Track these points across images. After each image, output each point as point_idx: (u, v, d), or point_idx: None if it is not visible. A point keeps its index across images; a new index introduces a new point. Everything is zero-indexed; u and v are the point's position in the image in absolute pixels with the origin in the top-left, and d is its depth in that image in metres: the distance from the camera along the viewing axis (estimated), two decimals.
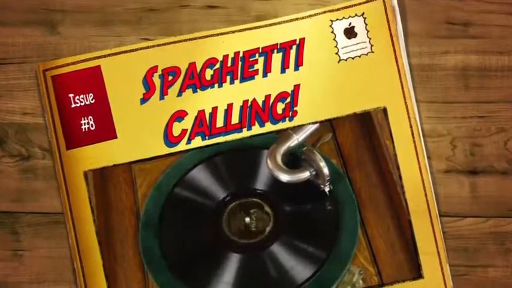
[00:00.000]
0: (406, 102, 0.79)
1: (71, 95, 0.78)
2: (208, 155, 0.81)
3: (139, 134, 0.78)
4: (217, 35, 0.79)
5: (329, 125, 0.80)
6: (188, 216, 0.81)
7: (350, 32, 0.79)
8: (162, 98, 0.78)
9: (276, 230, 0.80)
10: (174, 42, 0.79)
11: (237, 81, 0.79)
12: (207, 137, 0.78)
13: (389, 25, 0.79)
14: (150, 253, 0.79)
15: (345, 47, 0.79)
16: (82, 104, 0.78)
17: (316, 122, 0.79)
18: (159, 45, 0.79)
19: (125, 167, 0.79)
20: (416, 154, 0.79)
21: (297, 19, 0.79)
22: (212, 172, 0.82)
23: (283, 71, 0.79)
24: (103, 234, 0.78)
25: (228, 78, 0.79)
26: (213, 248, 0.80)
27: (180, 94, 0.78)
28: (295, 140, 0.79)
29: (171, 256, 0.79)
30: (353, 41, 0.79)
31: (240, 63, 0.79)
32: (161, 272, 0.78)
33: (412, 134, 0.79)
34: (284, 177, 0.79)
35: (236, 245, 0.80)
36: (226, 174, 0.82)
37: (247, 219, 0.80)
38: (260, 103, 0.79)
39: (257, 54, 0.79)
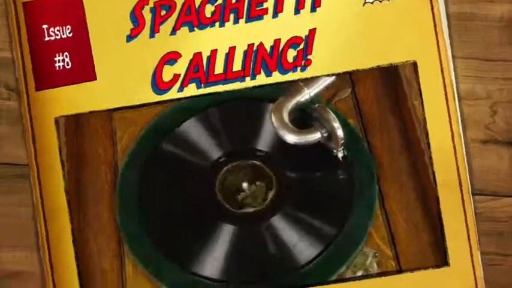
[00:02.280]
0: (440, 57, 0.72)
1: (45, 26, 0.72)
2: (203, 105, 0.77)
3: (123, 76, 0.72)
4: None
5: (348, 78, 0.77)
6: (175, 177, 0.77)
7: None
8: (152, 35, 0.72)
9: (278, 199, 0.76)
10: None
11: (242, 21, 0.72)
12: (202, 85, 0.72)
13: None
14: (128, 218, 0.74)
15: None
16: (57, 37, 0.72)
17: (332, 74, 0.73)
18: None
19: (104, 115, 0.77)
20: (450, 119, 0.72)
21: None
22: (206, 126, 0.78)
23: (297, 11, 0.72)
24: (73, 192, 0.74)
25: (232, 16, 0.72)
26: (203, 217, 0.76)
27: (173, 32, 0.72)
28: (307, 94, 0.75)
29: (152, 223, 0.75)
30: None
31: None
32: (140, 242, 0.74)
33: (446, 95, 0.72)
34: (291, 138, 0.74)
35: (230, 214, 0.76)
36: (222, 130, 0.78)
37: (245, 185, 0.76)
38: (268, 48, 0.72)
39: None
